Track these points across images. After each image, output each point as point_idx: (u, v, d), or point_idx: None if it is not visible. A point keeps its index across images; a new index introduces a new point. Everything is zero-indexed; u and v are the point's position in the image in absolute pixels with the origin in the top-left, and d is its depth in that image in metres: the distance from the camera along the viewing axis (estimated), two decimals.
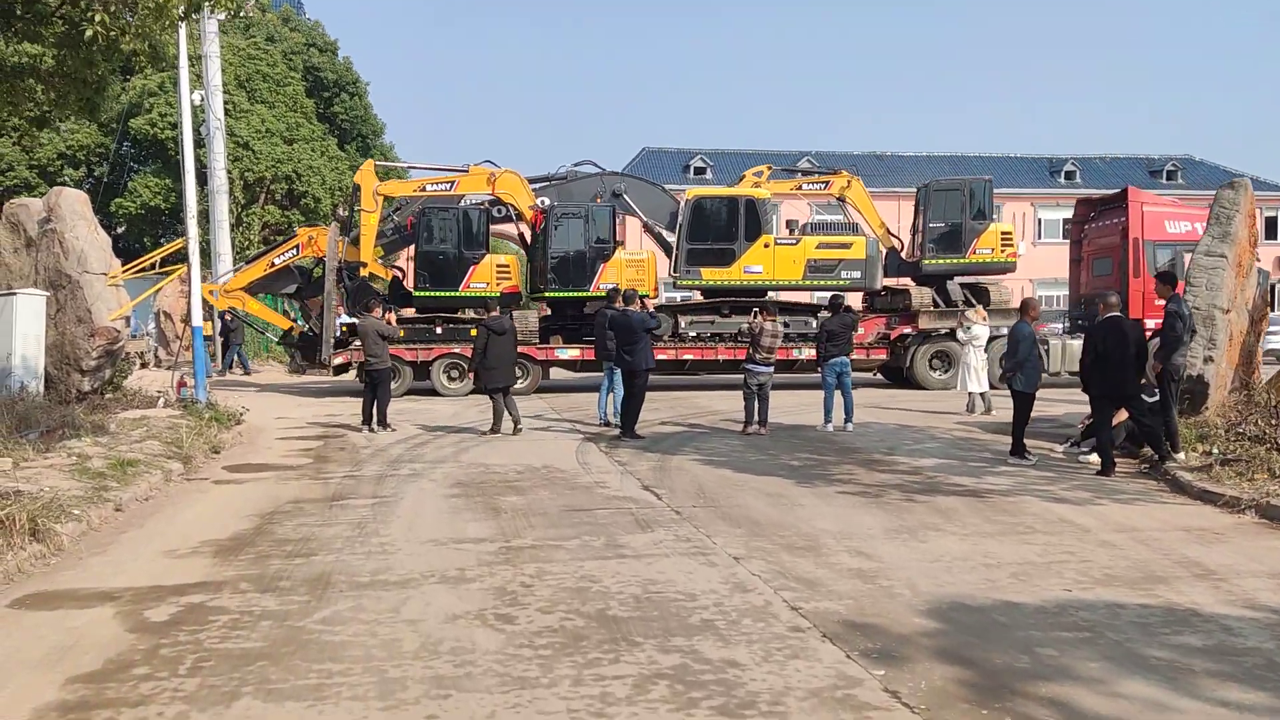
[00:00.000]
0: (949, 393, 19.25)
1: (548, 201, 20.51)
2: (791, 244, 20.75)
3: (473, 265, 19.80)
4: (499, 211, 20.87)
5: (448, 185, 20.29)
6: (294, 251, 19.72)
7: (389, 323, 14.81)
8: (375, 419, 14.35)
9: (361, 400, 14.56)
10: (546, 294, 20.29)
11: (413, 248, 20.22)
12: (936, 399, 18.76)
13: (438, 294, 19.80)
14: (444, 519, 8.25)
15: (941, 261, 21.27)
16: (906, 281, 22.01)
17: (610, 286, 15.53)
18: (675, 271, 20.50)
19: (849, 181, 21.89)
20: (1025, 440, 11.37)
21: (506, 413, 14.02)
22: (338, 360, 19.33)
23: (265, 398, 19.89)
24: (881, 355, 21.33)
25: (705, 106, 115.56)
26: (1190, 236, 21.02)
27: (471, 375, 13.85)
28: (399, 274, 21.39)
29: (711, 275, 20.49)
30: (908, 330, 21.21)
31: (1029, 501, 8.88)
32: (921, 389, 20.85)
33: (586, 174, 21.77)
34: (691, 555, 6.96)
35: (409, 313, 20.19)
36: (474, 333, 20.14)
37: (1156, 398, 10.72)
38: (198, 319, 14.26)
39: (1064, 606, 5.75)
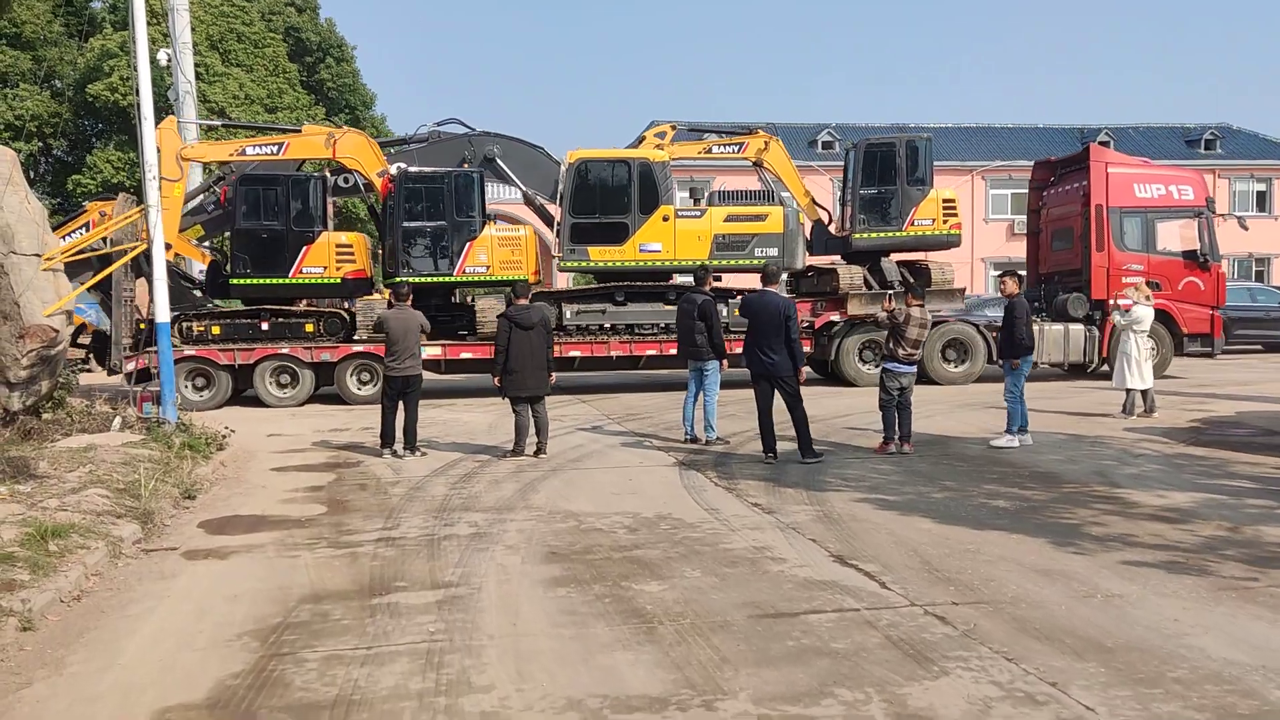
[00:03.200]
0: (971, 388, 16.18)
1: (403, 168, 16.97)
2: (696, 217, 17.40)
3: (306, 246, 16.26)
4: (345, 181, 17.43)
5: (275, 148, 16.65)
6: (83, 231, 15.80)
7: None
8: (403, 440, 11.06)
9: (381, 414, 11.24)
10: (398, 279, 16.32)
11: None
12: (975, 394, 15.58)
13: (261, 281, 16.22)
14: (568, 643, 4.97)
15: (874, 235, 17.95)
16: (837, 260, 18.71)
17: (697, 265, 12.20)
18: (558, 251, 17.19)
19: (766, 143, 18.36)
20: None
21: (533, 429, 10.82)
22: (130, 366, 15.25)
23: (249, 407, 16.53)
24: (804, 346, 17.80)
25: (717, 77, 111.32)
26: (1165, 201, 18.07)
27: (496, 380, 10.46)
28: (219, 258, 17.69)
29: (601, 255, 17.15)
30: (835, 317, 17.91)
31: None
32: (851, 385, 17.59)
33: (451, 135, 18.26)
34: None
35: (235, 305, 16.91)
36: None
37: None
38: (163, 312, 10.90)
39: None
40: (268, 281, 16.25)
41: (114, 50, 26.35)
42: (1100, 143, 47.48)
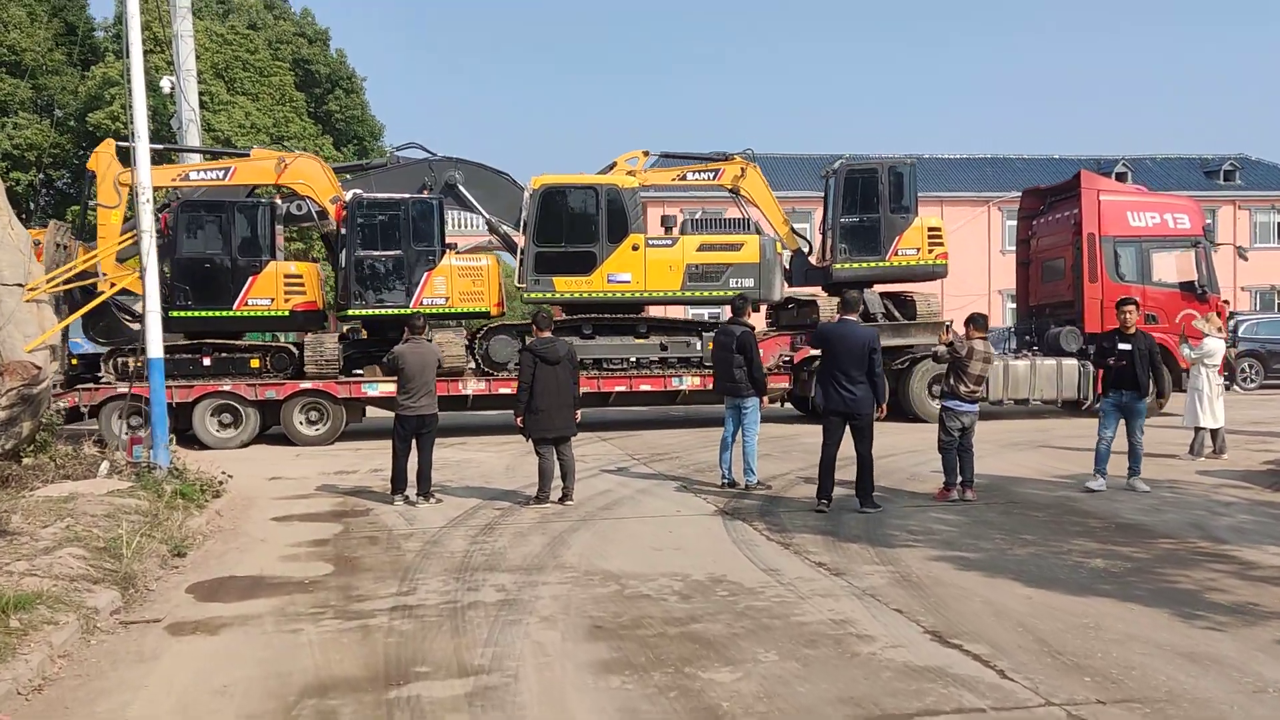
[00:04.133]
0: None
1: (359, 194, 15.96)
2: (667, 245, 16.38)
3: (252, 275, 15.16)
4: (298, 208, 16.37)
5: (221, 173, 15.65)
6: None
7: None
8: (416, 485, 10.11)
9: (392, 456, 10.29)
10: (350, 312, 15.70)
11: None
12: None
13: (202, 314, 15.02)
14: None
15: (855, 265, 17.03)
16: (818, 292, 17.76)
17: (741, 297, 11.26)
18: (521, 281, 16.14)
19: (743, 169, 17.35)
20: None
21: (559, 473, 9.91)
22: (61, 403, 14.10)
23: (259, 445, 15.59)
24: (783, 382, 16.92)
25: (732, 108, 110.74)
26: (1160, 230, 17.17)
27: (519, 420, 9.50)
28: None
29: (567, 285, 16.15)
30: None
31: None
32: None
33: (410, 160, 17.32)
34: None
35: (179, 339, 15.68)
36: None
37: None
38: (156, 347, 10.00)
39: None
40: (210, 314, 15.05)
41: (116, 78, 25.68)
42: (1117, 174, 46.87)
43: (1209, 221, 18.00)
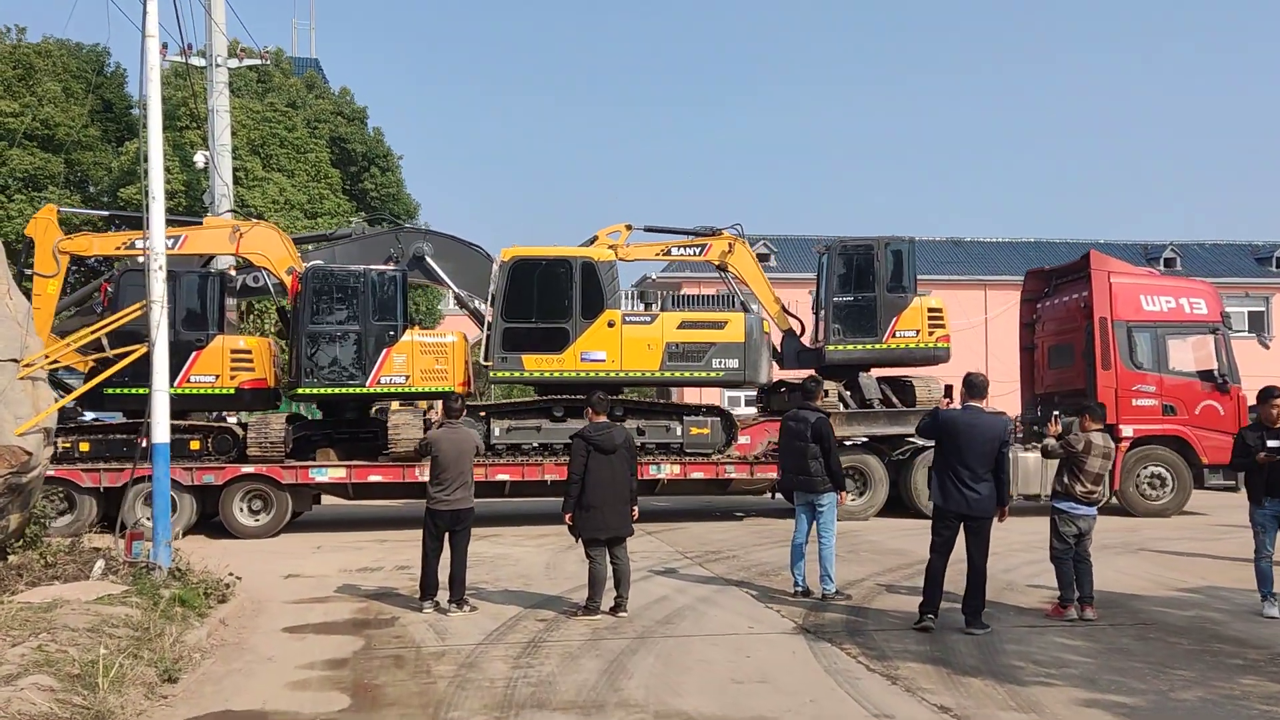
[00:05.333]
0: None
1: (319, 265, 15.08)
2: (645, 323, 15.21)
3: (195, 351, 14.09)
4: (255, 280, 15.48)
5: (171, 241, 14.07)
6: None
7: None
8: (448, 589, 8.89)
9: (422, 556, 9.08)
10: (301, 390, 14.56)
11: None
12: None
13: (141, 391, 12.71)
14: None
15: (850, 348, 15.92)
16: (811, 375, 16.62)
17: (812, 379, 10.08)
18: (488, 359, 14.96)
19: (731, 245, 16.36)
20: None
21: (612, 578, 8.65)
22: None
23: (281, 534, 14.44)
24: (770, 471, 15.18)
25: (773, 190, 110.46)
26: (1175, 316, 15.84)
27: (568, 517, 8.26)
28: (98, 365, 14.51)
29: (537, 364, 14.95)
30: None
31: None
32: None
33: (377, 231, 16.41)
34: None
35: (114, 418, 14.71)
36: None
37: None
38: (162, 430, 8.93)
39: None
40: (146, 392, 13.75)
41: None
42: (1165, 260, 45.72)
43: (1225, 309, 16.73)
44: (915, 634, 7.77)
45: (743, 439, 15.71)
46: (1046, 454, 8.68)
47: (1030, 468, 15.27)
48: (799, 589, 9.37)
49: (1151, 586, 9.85)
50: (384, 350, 14.36)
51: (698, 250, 16.64)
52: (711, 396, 23.65)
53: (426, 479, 14.50)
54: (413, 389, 14.61)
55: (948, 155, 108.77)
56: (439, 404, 14.76)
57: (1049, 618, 8.39)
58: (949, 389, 9.03)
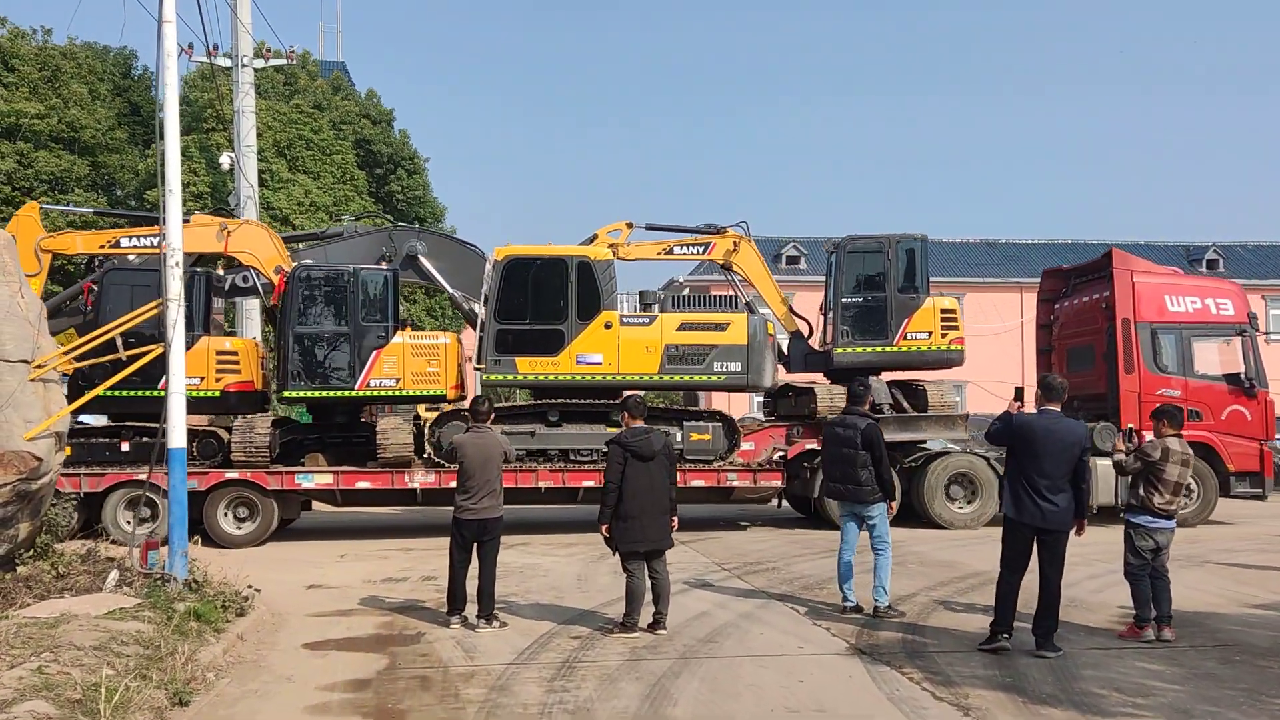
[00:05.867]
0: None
1: (307, 264, 14.53)
2: (644, 324, 14.65)
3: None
4: (244, 280, 14.87)
5: (155, 240, 13.52)
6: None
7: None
8: (476, 603, 8.40)
9: (449, 567, 8.59)
10: (287, 394, 14.06)
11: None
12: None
13: (124, 393, 12.62)
14: None
15: (859, 350, 15.24)
16: (819, 379, 15.91)
17: (860, 382, 9.48)
18: (480, 361, 14.44)
19: (736, 243, 15.59)
20: None
21: (650, 593, 8.11)
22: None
23: (288, 541, 14.04)
24: (774, 479, 14.90)
25: (799, 192, 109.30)
26: (1201, 317, 15.11)
27: (604, 529, 7.73)
28: (82, 367, 13.80)
29: (531, 367, 14.42)
30: (813, 445, 14.86)
31: None
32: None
33: (369, 230, 15.83)
34: None
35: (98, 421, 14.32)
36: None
37: None
38: (179, 434, 8.50)
39: None
40: (131, 394, 12.57)
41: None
42: (1208, 261, 44.63)
43: (1253, 311, 16.01)
44: (982, 656, 7.19)
45: (746, 445, 15.00)
46: (1122, 470, 8.03)
47: None
48: (848, 604, 8.81)
49: (1225, 603, 9.21)
50: (374, 352, 13.87)
51: (701, 249, 15.95)
52: (720, 402, 23.11)
53: (416, 485, 14.40)
54: (404, 392, 14.12)
55: (985, 157, 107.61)
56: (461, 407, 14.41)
57: (1123, 638, 7.79)
58: (1019, 391, 8.42)
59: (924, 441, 15.46)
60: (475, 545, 8.48)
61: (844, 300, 15.41)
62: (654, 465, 8.10)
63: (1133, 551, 7.84)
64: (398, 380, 13.93)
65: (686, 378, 14.78)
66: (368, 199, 29.13)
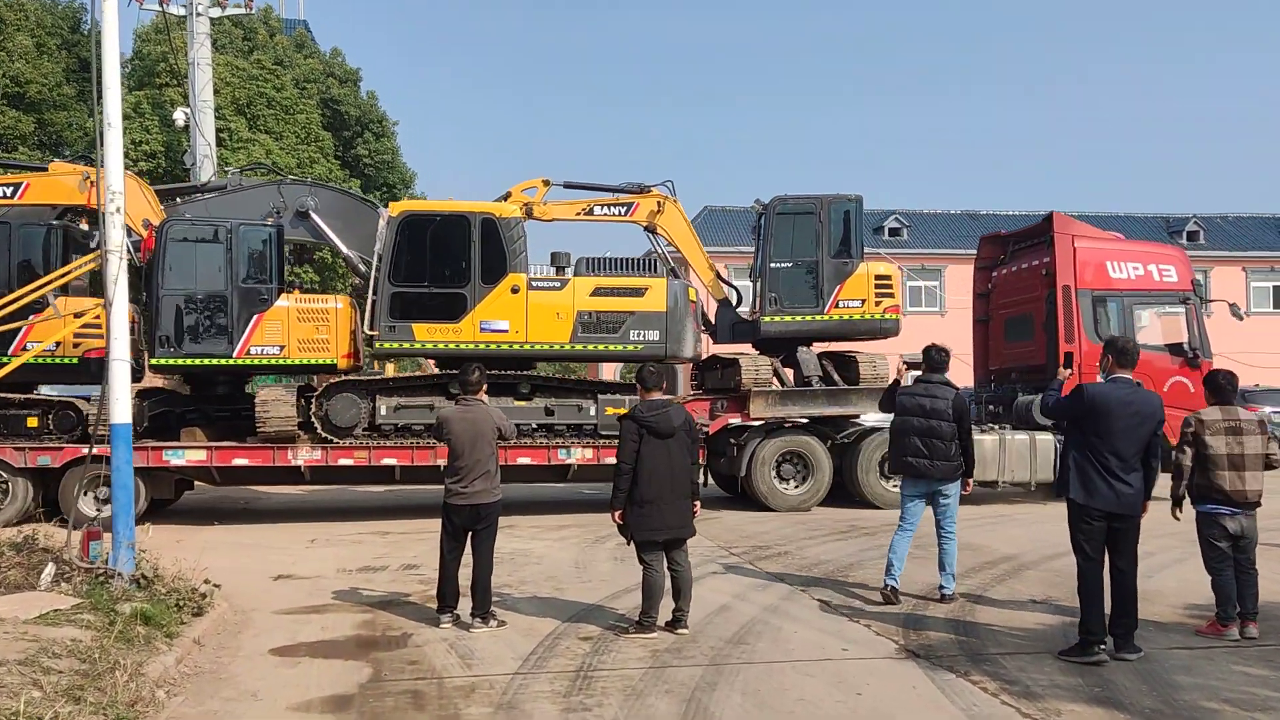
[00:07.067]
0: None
1: (181, 218, 13.24)
2: (555, 288, 13.49)
3: (32, 314, 11.88)
4: None
5: (9, 190, 12.71)
6: None
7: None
8: (472, 601, 7.38)
9: (439, 560, 7.57)
10: (155, 361, 12.73)
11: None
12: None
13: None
14: None
15: (787, 319, 14.37)
16: (748, 350, 14.96)
17: (937, 347, 8.42)
18: (373, 328, 13.14)
19: (660, 204, 14.54)
20: None
21: (670, 587, 7.15)
22: None
23: (253, 524, 12.94)
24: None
25: (768, 163, 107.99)
26: (1144, 284, 14.41)
27: (617, 515, 6.72)
28: None
29: (430, 335, 13.18)
30: (736, 420, 14.19)
31: None
32: (766, 508, 13.80)
33: (256, 183, 14.57)
34: None
35: None
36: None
37: None
38: (123, 409, 7.37)
39: None
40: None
41: (128, 111, 23.65)
42: (1189, 233, 44.14)
43: (1196, 277, 15.29)
44: (1056, 661, 6.28)
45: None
46: (1180, 471, 7.06)
47: (987, 452, 13.81)
48: (891, 586, 7.92)
49: None
50: (255, 316, 12.63)
51: (623, 210, 14.75)
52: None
53: (300, 463, 12.92)
54: (289, 360, 12.86)
55: (966, 129, 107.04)
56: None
57: (1201, 635, 6.93)
58: (1069, 358, 7.50)
59: (857, 417, 14.51)
60: (469, 534, 7.47)
61: (772, 265, 14.44)
62: (673, 443, 7.12)
63: (1208, 545, 6.95)
64: (282, 347, 12.70)
65: (601, 347, 13.58)
66: (333, 161, 27.73)
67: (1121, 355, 6.62)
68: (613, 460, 13.16)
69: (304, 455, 12.86)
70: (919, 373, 8.33)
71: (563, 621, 7.48)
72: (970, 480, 8.07)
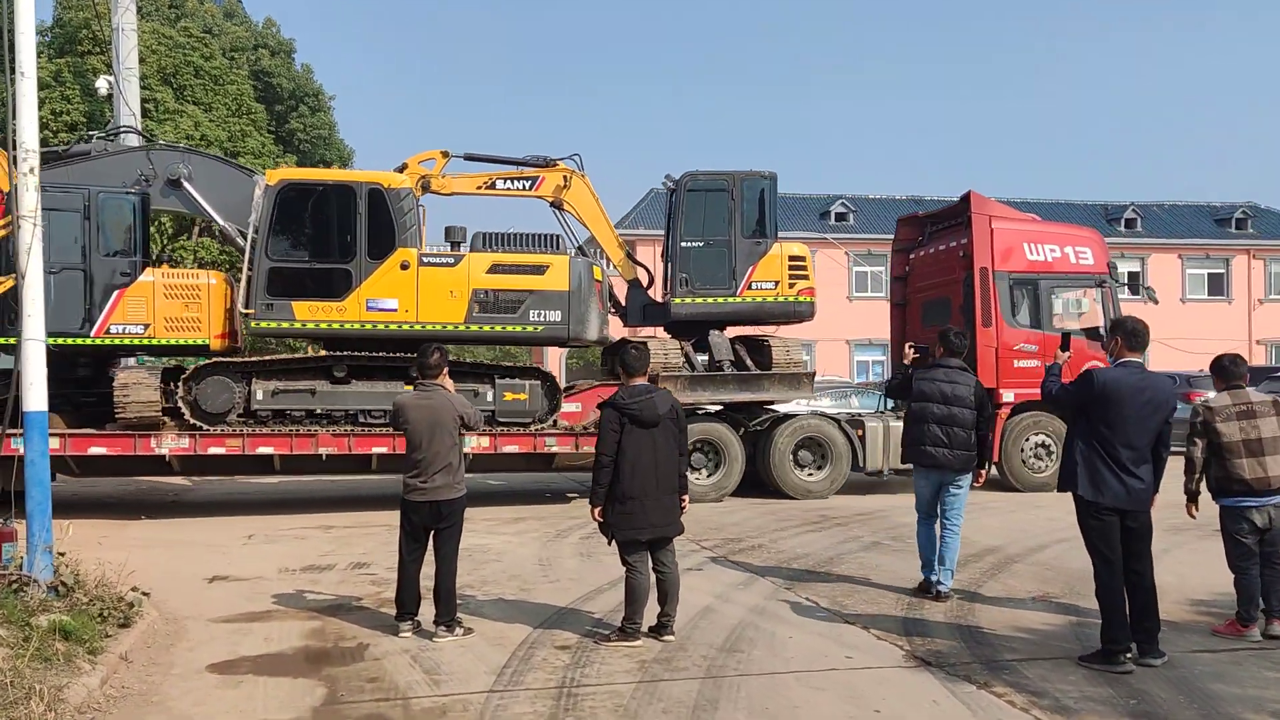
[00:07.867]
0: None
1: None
2: (449, 265, 12.64)
3: None
4: None
5: None
6: None
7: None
8: (435, 607, 6.69)
9: (398, 562, 6.86)
10: (3, 339, 11.71)
11: None
12: None
13: None
14: None
15: (699, 300, 13.87)
16: (658, 333, 14.67)
17: (955, 330, 7.88)
18: (248, 305, 12.20)
19: (567, 179, 13.86)
20: None
21: (654, 591, 6.56)
22: None
23: (189, 517, 12.05)
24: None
25: (737, 146, 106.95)
26: (1061, 266, 14.38)
27: (597, 512, 6.10)
28: None
29: (311, 313, 12.28)
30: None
31: None
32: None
33: (123, 148, 13.57)
34: None
35: None
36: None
37: None
38: (38, 396, 6.50)
39: None
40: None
41: (47, 80, 22.21)
42: (1126, 220, 44.70)
43: (1112, 260, 15.25)
44: (1078, 669, 5.81)
45: (570, 407, 13.33)
46: (1190, 467, 6.64)
47: (876, 438, 13.63)
48: (941, 587, 7.54)
49: None
50: (116, 292, 11.73)
51: (528, 184, 13.94)
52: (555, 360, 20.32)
53: (165, 452, 11.83)
54: (155, 340, 11.96)
55: (908, 115, 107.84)
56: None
57: (1218, 634, 6.52)
58: (1066, 338, 7.05)
59: (771, 403, 14.10)
60: (430, 534, 6.77)
61: (683, 244, 13.87)
62: (659, 433, 6.48)
63: (1230, 540, 6.53)
64: (147, 326, 11.80)
65: (498, 328, 12.76)
66: (267, 135, 26.50)
67: (1131, 337, 6.14)
68: (510, 448, 12.51)
69: (169, 444, 11.84)
70: (909, 365, 7.91)
71: (534, 628, 6.83)
72: (984, 471, 7.63)
